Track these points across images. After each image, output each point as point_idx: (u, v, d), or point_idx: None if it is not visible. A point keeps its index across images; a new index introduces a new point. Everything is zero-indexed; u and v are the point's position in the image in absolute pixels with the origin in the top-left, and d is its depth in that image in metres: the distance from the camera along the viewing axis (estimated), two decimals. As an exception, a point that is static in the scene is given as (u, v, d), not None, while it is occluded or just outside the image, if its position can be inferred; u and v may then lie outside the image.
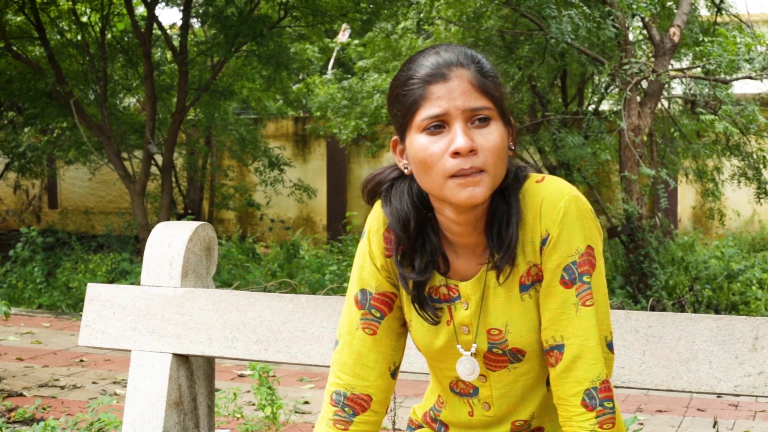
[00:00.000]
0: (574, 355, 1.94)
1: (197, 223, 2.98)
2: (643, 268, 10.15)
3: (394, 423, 4.58)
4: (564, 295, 1.94)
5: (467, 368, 2.07)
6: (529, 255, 1.98)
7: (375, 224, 2.10)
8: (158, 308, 2.92)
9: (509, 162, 1.96)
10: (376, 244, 2.09)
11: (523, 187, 1.98)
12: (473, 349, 2.05)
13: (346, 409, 2.10)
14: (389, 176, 2.06)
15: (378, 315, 2.10)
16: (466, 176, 1.86)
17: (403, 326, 2.14)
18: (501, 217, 1.96)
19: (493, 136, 1.88)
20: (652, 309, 8.93)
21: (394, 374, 2.14)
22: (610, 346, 1.98)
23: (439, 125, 1.88)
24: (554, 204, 1.94)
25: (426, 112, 1.88)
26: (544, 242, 1.95)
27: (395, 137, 2.00)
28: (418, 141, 1.90)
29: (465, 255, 2.03)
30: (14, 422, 5.30)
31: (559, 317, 1.95)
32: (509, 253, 1.95)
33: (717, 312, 10.04)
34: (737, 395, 2.37)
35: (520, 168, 2.01)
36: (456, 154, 1.85)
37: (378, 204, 2.09)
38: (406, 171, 1.99)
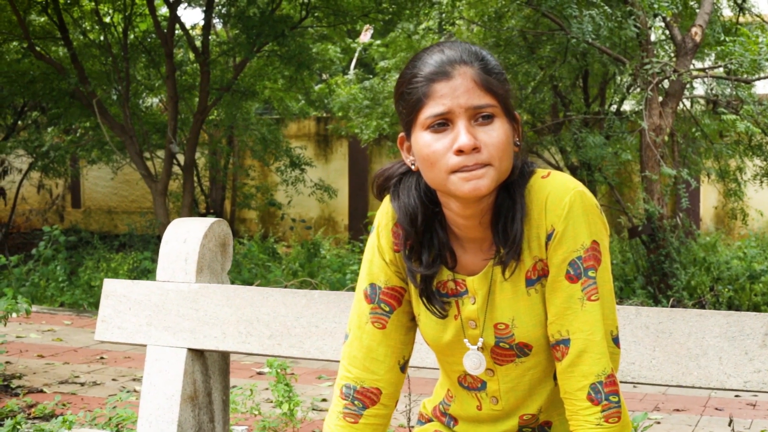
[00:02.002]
0: (579, 350, 1.95)
1: (212, 220, 3.00)
2: (664, 269, 10.11)
3: (408, 420, 4.59)
4: (569, 290, 1.96)
5: (474, 362, 2.09)
6: (534, 250, 1.99)
7: (384, 219, 2.12)
8: (173, 304, 2.94)
9: (515, 158, 1.98)
10: (385, 238, 2.11)
11: (528, 182, 2.00)
12: (480, 344, 2.07)
13: (356, 402, 2.13)
14: (397, 171, 2.08)
15: (387, 309, 2.12)
16: (471, 170, 1.88)
17: (412, 320, 2.16)
18: (506, 213, 1.98)
19: (496, 133, 1.90)
20: (673, 309, 8.88)
21: (403, 368, 2.16)
22: (616, 341, 1.99)
23: (442, 123, 1.90)
24: (559, 199, 1.95)
25: (430, 111, 1.90)
26: (549, 237, 1.97)
27: (402, 134, 2.03)
28: (422, 138, 1.92)
29: (472, 250, 2.05)
30: (34, 418, 5.35)
31: (564, 312, 1.97)
32: (514, 249, 1.97)
33: (738, 312, 9.98)
34: (748, 391, 2.37)
35: (527, 163, 2.02)
36: (459, 152, 1.88)
37: (387, 199, 2.11)
38: (413, 167, 2.01)
